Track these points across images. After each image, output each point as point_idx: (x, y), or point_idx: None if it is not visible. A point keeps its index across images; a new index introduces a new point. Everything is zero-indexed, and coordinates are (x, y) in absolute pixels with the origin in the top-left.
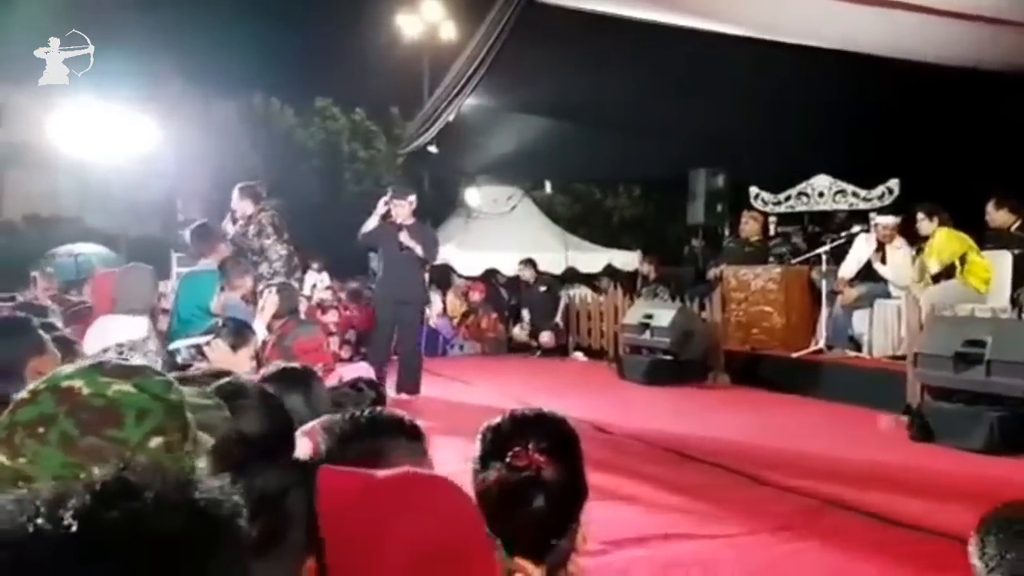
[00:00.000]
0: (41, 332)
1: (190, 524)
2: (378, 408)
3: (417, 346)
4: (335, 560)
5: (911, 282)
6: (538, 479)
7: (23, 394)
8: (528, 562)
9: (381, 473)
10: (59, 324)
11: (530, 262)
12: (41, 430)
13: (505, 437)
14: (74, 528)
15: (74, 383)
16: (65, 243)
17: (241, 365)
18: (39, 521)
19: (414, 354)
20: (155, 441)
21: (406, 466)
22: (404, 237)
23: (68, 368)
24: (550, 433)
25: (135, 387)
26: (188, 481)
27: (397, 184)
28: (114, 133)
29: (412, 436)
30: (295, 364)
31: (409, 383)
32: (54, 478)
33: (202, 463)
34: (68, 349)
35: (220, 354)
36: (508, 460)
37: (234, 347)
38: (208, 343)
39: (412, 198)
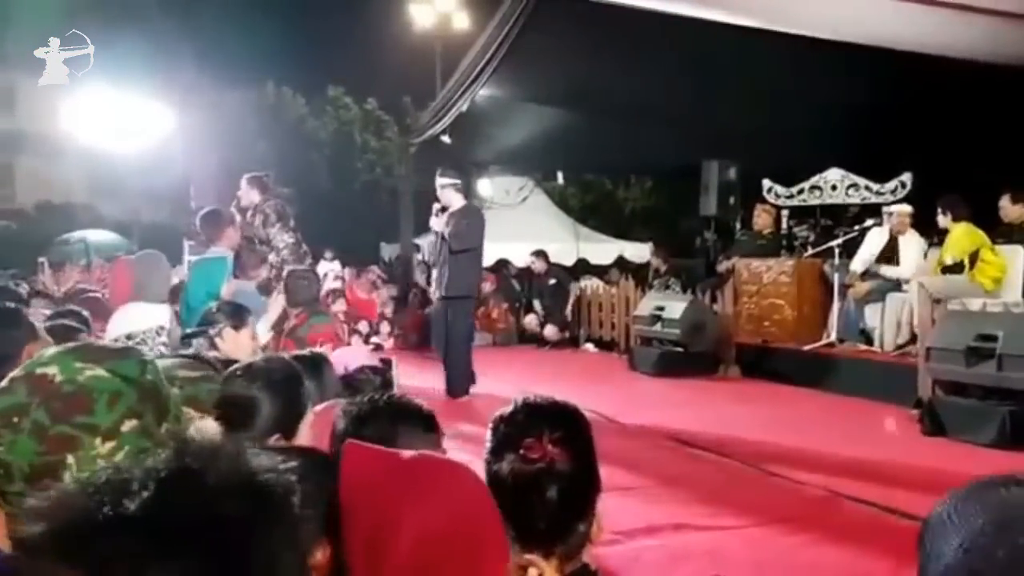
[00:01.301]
0: (32, 320)
1: (253, 506)
2: (397, 394)
3: (460, 347)
4: (352, 534)
5: (922, 274)
6: (551, 470)
7: (3, 383)
8: (538, 555)
9: (406, 453)
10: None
11: (541, 253)
12: (16, 419)
13: (518, 427)
14: (142, 516)
15: (48, 370)
16: (76, 230)
17: (247, 346)
18: (106, 510)
19: (456, 355)
20: (129, 424)
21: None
22: (433, 221)
23: (48, 352)
24: (563, 423)
25: (108, 371)
26: (241, 460)
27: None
28: (126, 121)
29: (428, 427)
30: (306, 351)
31: (451, 386)
32: (30, 467)
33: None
34: (70, 337)
35: (230, 342)
36: (521, 451)
37: (236, 328)
38: (219, 333)
39: (441, 180)
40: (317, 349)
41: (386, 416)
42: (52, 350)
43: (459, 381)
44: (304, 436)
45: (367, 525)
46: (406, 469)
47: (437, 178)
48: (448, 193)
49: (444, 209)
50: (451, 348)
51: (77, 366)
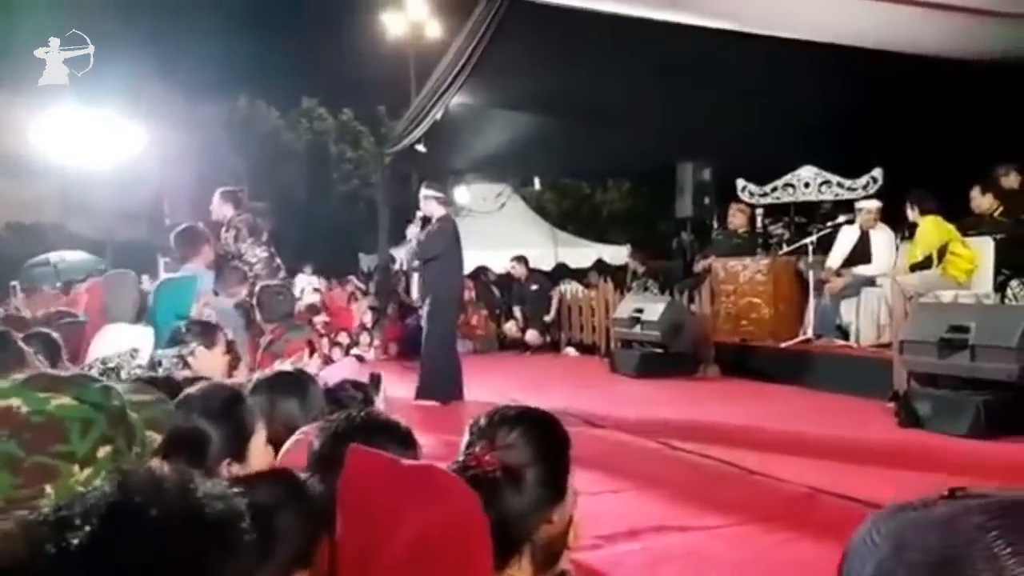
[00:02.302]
0: (21, 344)
1: (194, 539)
2: (374, 410)
3: (433, 351)
4: (347, 535)
5: (891, 269)
6: (484, 479)
7: None
8: (514, 570)
9: (407, 461)
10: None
11: (522, 259)
12: None
13: (476, 435)
14: (82, 558)
15: (11, 402)
16: (49, 250)
17: (220, 364)
18: (47, 547)
19: (428, 359)
20: (104, 451)
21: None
22: (410, 229)
23: (4, 385)
24: (528, 431)
25: (75, 399)
26: (187, 490)
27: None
28: (98, 139)
29: (405, 443)
30: (290, 368)
31: (421, 388)
32: (6, 501)
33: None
34: (55, 350)
35: (203, 361)
36: (463, 461)
37: (207, 347)
38: (191, 352)
39: (424, 192)
40: (294, 361)
41: (362, 433)
42: (3, 382)
43: (430, 385)
44: (258, 456)
45: (363, 526)
46: (407, 476)
47: (422, 189)
48: (430, 205)
49: (427, 220)
50: (424, 352)
51: (41, 396)
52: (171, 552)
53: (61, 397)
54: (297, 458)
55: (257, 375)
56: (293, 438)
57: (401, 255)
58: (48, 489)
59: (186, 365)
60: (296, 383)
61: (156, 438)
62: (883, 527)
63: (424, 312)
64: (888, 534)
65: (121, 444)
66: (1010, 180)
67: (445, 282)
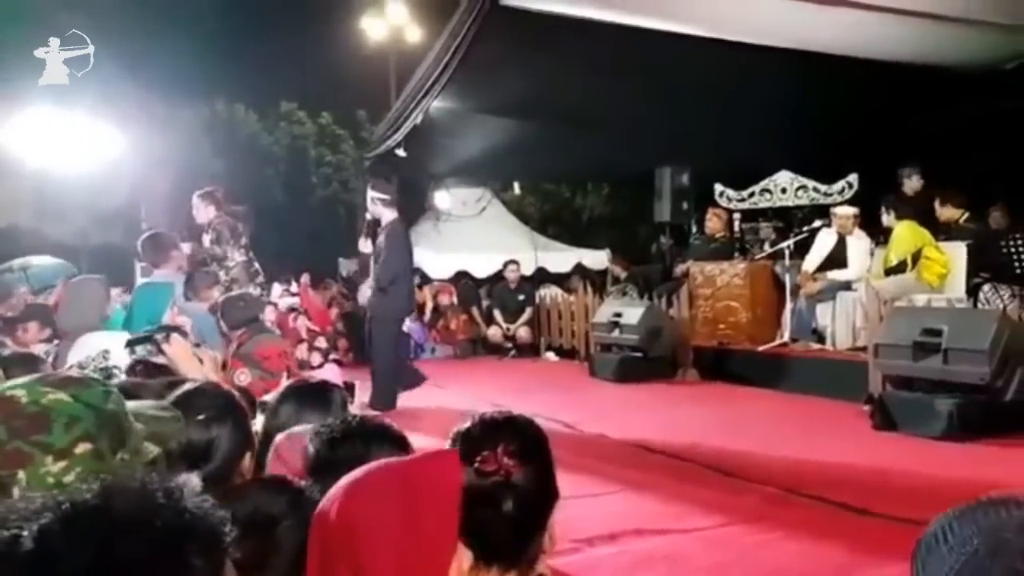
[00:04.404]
0: None
1: (160, 548)
2: (369, 415)
3: (386, 363)
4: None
5: (868, 274)
6: (507, 483)
7: None
8: (498, 570)
9: (387, 461)
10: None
11: (515, 263)
12: None
13: (475, 441)
14: (31, 549)
15: (16, 392)
16: (24, 253)
17: (191, 356)
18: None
19: (381, 371)
20: (82, 447)
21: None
22: (361, 243)
23: (21, 379)
24: (519, 436)
25: (71, 396)
26: (169, 498)
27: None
28: (73, 141)
29: (400, 448)
30: (314, 380)
31: (375, 399)
32: None
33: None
34: (33, 367)
35: (177, 348)
36: (476, 465)
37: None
38: (165, 338)
39: (371, 194)
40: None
41: (359, 438)
42: (25, 377)
43: (380, 395)
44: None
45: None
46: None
47: (368, 190)
48: (378, 208)
49: (376, 222)
50: (373, 363)
51: (42, 390)
52: (120, 558)
53: (60, 393)
54: (290, 458)
55: (287, 383)
56: (281, 436)
57: (351, 267)
58: (20, 474)
59: (160, 351)
60: (323, 395)
61: (153, 450)
62: (966, 526)
63: (368, 319)
64: (978, 535)
65: (103, 445)
66: (913, 183)
67: (394, 296)
